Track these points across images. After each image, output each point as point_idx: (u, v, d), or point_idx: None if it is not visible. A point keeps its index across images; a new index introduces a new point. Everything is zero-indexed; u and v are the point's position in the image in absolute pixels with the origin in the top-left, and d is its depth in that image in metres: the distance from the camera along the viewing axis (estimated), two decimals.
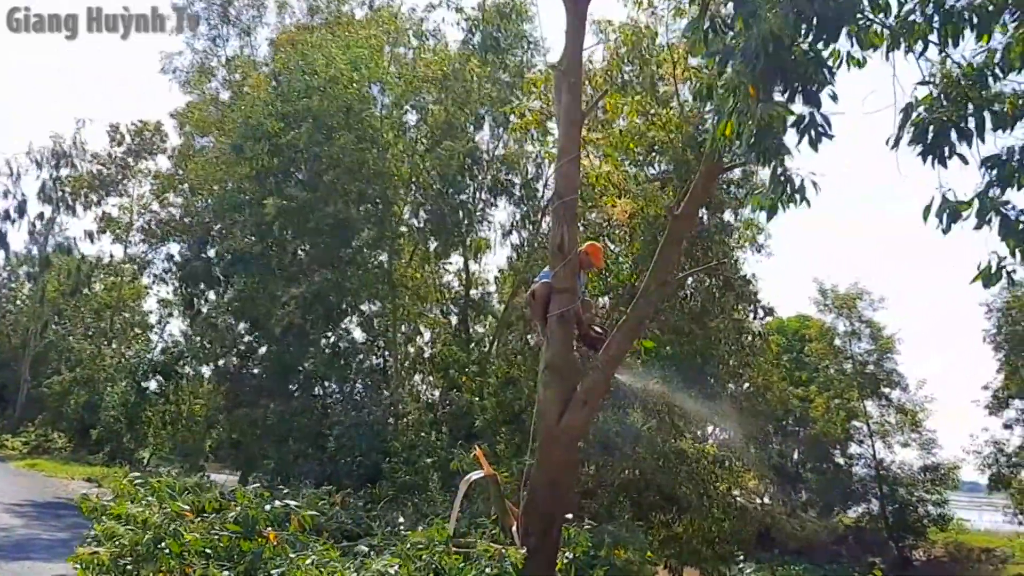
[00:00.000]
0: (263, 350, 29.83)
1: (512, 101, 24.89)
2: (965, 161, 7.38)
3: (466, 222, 27.74)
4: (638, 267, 18.83)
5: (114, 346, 50.19)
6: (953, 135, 7.31)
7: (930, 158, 7.42)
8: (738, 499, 20.63)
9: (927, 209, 7.34)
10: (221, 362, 32.20)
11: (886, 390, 45.33)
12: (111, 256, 51.86)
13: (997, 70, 7.42)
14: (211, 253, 31.91)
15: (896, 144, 7.56)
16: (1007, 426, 40.56)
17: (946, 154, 7.36)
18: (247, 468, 26.95)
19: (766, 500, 24.59)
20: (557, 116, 12.14)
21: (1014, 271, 7.29)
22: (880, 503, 44.89)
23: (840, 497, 46.14)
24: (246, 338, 30.66)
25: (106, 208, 48.30)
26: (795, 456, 48.79)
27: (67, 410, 44.75)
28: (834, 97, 7.51)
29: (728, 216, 21.49)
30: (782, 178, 7.58)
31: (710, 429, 30.02)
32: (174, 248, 35.34)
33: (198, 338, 33.51)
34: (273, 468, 23.61)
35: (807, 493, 44.82)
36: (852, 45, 7.79)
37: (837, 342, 46.28)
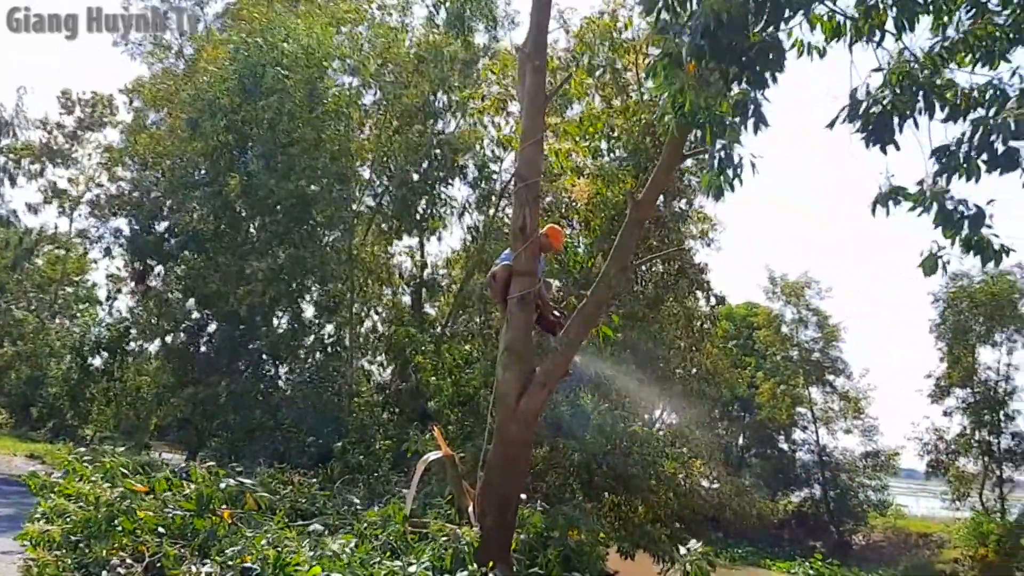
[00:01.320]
0: (212, 327, 29.48)
1: (475, 81, 24.90)
2: (897, 147, 7.59)
3: (425, 202, 27.64)
4: (594, 250, 18.95)
5: (58, 321, 49.21)
6: (895, 121, 7.52)
7: (874, 145, 7.63)
8: (687, 482, 20.87)
9: (877, 197, 7.58)
10: (169, 339, 31.78)
11: (831, 377, 46.29)
12: (55, 228, 50.76)
13: (947, 56, 7.62)
14: (161, 228, 31.45)
15: (832, 125, 7.74)
16: (947, 414, 41.55)
17: (886, 141, 7.57)
18: (195, 447, 26.68)
19: (714, 484, 24.82)
20: (520, 99, 12.16)
21: (948, 261, 7.62)
22: (822, 488, 45.93)
23: (783, 482, 47.10)
24: (194, 315, 30.27)
25: (51, 178, 47.14)
26: (740, 441, 49.60)
27: (8, 385, 43.90)
28: (774, 79, 7.64)
29: (684, 204, 21.71)
30: (723, 155, 7.70)
31: (658, 413, 30.41)
32: (122, 222, 34.70)
33: (145, 314, 33.02)
34: (222, 447, 23.39)
35: (751, 477, 45.55)
36: (812, 32, 7.93)
37: (784, 329, 47.09)
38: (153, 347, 34.03)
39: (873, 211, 7.66)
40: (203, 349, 29.28)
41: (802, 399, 46.53)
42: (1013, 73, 7.42)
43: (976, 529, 37.78)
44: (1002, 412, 39.98)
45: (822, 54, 8.19)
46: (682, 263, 20.57)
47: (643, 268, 20.13)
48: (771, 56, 7.42)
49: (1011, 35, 7.37)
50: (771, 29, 7.37)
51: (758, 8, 7.21)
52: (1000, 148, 7.15)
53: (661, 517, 19.95)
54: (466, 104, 25.41)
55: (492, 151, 27.30)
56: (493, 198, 27.84)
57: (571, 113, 20.63)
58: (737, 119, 7.55)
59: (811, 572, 38.49)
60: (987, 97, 7.47)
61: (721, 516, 28.07)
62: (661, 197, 18.64)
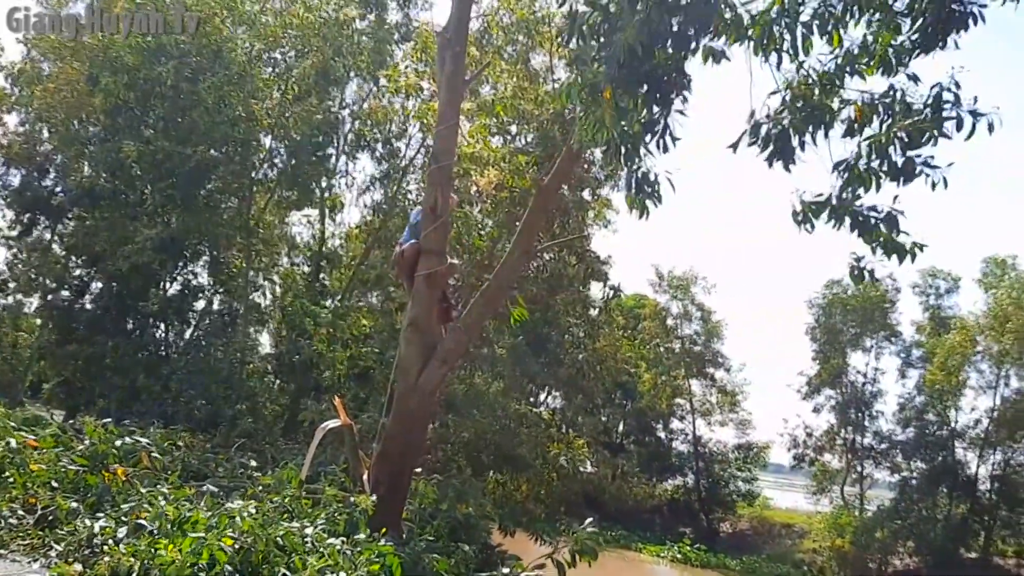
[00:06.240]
0: (98, 286, 28.74)
1: (387, 56, 24.96)
2: (794, 163, 7.88)
3: (325, 175, 27.46)
4: (498, 235, 19.32)
5: None
6: (795, 140, 7.85)
7: (776, 163, 7.90)
8: (570, 464, 21.47)
9: (795, 214, 8.01)
10: (50, 295, 30.84)
11: (710, 370, 47.85)
12: None
13: (845, 66, 8.02)
14: (48, 183, 30.47)
15: (735, 147, 7.98)
16: (816, 411, 43.75)
17: (788, 160, 7.87)
18: (75, 407, 26.02)
19: (595, 467, 25.62)
20: (438, 82, 12.42)
21: (873, 270, 8.10)
22: (695, 477, 47.61)
23: (659, 469, 48.50)
24: (77, 272, 29.47)
25: None
26: (620, 427, 50.83)
27: None
28: (683, 100, 8.02)
29: (587, 194, 22.21)
30: (639, 175, 8.01)
31: (543, 396, 31.07)
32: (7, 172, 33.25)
33: (24, 268, 31.98)
34: (106, 408, 22.92)
35: (628, 463, 46.81)
36: (719, 39, 8.20)
37: (669, 322, 48.37)
38: (33, 302, 32.99)
39: (800, 227, 7.98)
40: (88, 307, 28.51)
41: (682, 390, 48.03)
42: (911, 78, 7.80)
43: (835, 522, 39.97)
44: (867, 412, 42.33)
45: (717, 61, 8.37)
46: (582, 251, 21.12)
47: (545, 254, 20.58)
48: (678, 81, 7.71)
49: (915, 41, 7.67)
50: (680, 55, 7.63)
51: (666, 38, 7.48)
52: (899, 160, 7.66)
53: (542, 497, 20.55)
54: (376, 79, 25.44)
55: (401, 127, 27.29)
56: (395, 174, 27.87)
57: (483, 93, 20.89)
58: (648, 139, 7.86)
59: (679, 556, 40.05)
60: (881, 109, 7.94)
61: (599, 498, 29.00)
62: (565, 186, 19.17)
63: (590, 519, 11.05)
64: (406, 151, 27.45)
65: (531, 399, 27.62)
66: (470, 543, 11.80)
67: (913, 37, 7.68)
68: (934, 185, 7.58)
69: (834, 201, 7.91)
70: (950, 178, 7.55)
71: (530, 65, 20.00)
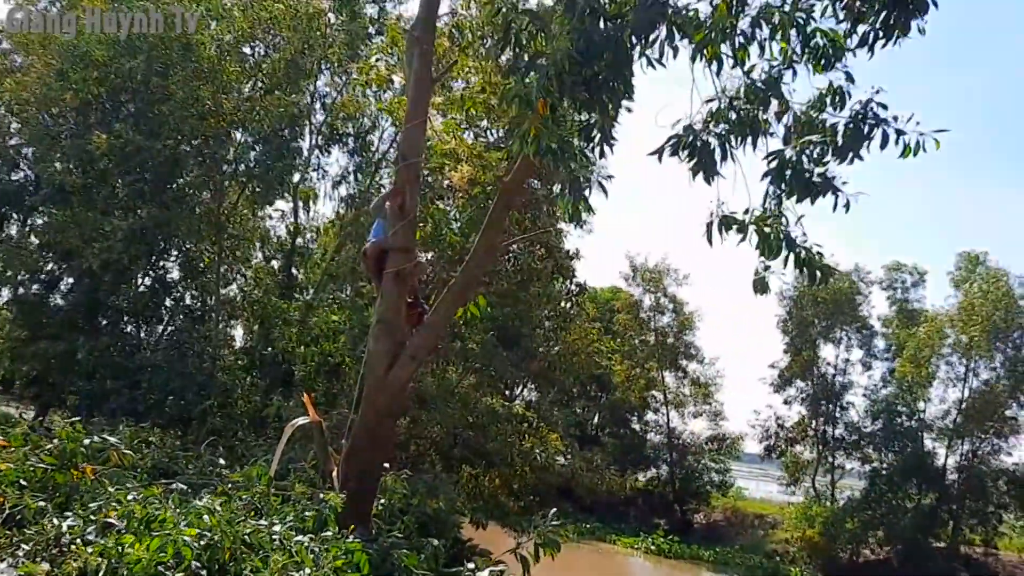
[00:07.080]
0: (69, 282, 28.49)
1: (359, 48, 24.82)
2: (715, 178, 7.92)
3: (296, 169, 27.37)
4: (472, 231, 19.34)
5: None
6: (718, 153, 7.89)
7: (696, 176, 7.95)
8: (543, 456, 21.59)
9: (707, 228, 8.04)
10: (20, 290, 30.50)
11: (683, 362, 48.20)
12: None
13: (792, 70, 8.07)
14: (18, 177, 30.12)
15: (660, 156, 7.97)
16: (787, 403, 44.23)
17: (709, 172, 7.90)
18: (47, 404, 25.84)
19: (566, 459, 25.75)
20: (407, 80, 12.45)
21: (767, 284, 8.23)
22: (669, 468, 47.95)
23: (633, 461, 48.83)
24: (49, 266, 29.17)
25: None
26: (595, 419, 51.13)
27: None
28: (626, 109, 8.06)
29: (557, 188, 22.21)
30: (573, 181, 7.99)
31: (517, 390, 31.15)
32: None
33: None
34: (77, 405, 22.77)
35: (603, 456, 47.11)
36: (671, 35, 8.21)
37: (642, 314, 48.67)
38: (3, 295, 32.62)
39: (709, 240, 7.99)
40: (59, 303, 28.25)
41: (655, 382, 48.37)
42: (848, 78, 7.92)
43: (805, 512, 40.48)
44: (837, 404, 42.88)
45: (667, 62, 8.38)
46: (550, 246, 21.16)
47: (515, 248, 20.60)
48: (618, 89, 7.73)
49: (878, 30, 7.73)
50: (621, 62, 7.59)
51: (603, 49, 7.45)
52: (817, 179, 7.75)
53: (515, 490, 20.66)
54: (348, 73, 25.36)
55: (373, 121, 27.27)
56: (368, 167, 27.83)
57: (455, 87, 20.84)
58: (585, 144, 7.85)
59: (653, 548, 40.43)
60: (808, 120, 8.02)
61: (573, 490, 29.19)
62: (537, 181, 19.22)
63: (553, 511, 11.13)
64: (378, 144, 27.49)
65: (506, 392, 27.72)
66: (440, 538, 11.85)
67: (876, 24, 7.73)
68: (841, 206, 7.73)
69: (747, 217, 7.95)
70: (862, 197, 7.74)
71: (501, 59, 19.95)
